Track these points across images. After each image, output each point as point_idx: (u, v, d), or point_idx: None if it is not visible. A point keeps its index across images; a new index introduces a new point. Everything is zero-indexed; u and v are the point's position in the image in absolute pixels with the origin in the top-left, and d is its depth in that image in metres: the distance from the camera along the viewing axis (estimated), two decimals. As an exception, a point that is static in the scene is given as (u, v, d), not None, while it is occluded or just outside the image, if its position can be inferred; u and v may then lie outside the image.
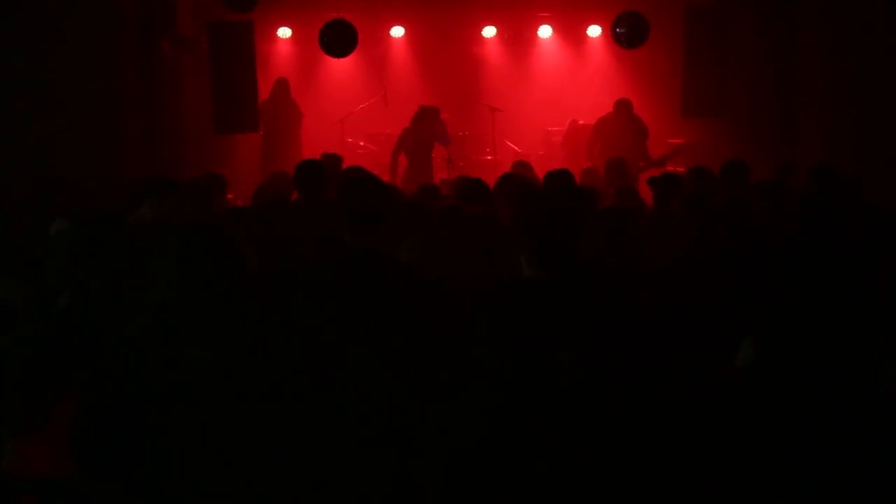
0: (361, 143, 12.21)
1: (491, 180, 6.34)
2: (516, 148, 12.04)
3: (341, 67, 12.38)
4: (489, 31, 12.80)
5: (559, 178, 6.08)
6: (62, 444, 2.35)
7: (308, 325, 3.49)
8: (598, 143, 10.19)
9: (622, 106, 10.20)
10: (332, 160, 7.74)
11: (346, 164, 8.05)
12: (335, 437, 3.08)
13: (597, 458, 2.50)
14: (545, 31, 12.84)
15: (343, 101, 12.26)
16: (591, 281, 3.64)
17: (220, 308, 3.17)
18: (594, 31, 12.65)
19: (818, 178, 6.38)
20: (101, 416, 2.80)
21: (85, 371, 2.46)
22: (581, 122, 11.48)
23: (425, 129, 10.21)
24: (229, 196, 8.18)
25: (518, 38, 12.96)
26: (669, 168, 9.32)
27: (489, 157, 12.01)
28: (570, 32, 12.84)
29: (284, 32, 12.55)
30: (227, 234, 3.37)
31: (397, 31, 12.76)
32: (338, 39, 10.57)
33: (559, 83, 12.68)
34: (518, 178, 6.38)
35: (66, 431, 2.36)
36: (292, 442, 2.97)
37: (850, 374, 2.71)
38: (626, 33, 10.71)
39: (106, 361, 3.04)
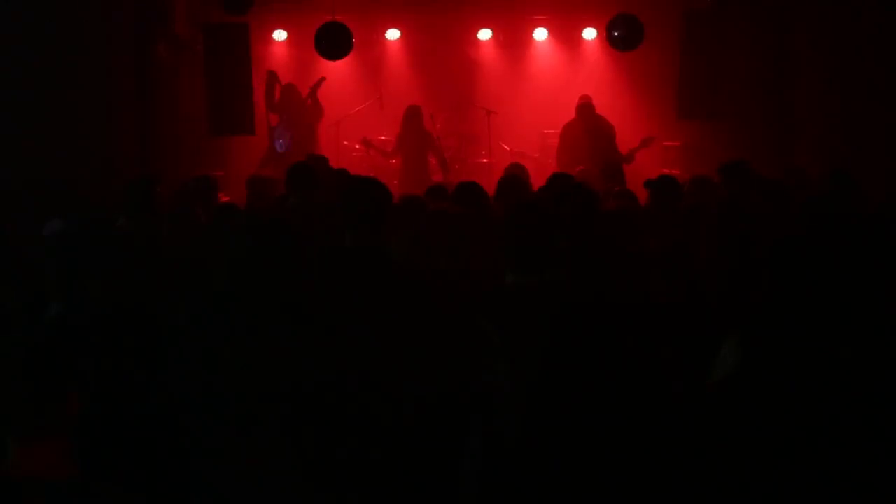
0: (357, 146, 12.20)
1: (486, 183, 6.32)
2: (508, 149, 12.03)
3: (336, 70, 12.36)
4: (484, 34, 12.79)
5: (560, 181, 6.04)
6: (66, 446, 2.33)
7: (313, 325, 3.47)
8: (565, 150, 10.17)
9: (584, 109, 10.12)
10: (318, 161, 7.73)
11: (341, 168, 8.02)
12: (342, 441, 3.05)
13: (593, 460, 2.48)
14: (540, 34, 12.82)
15: (338, 104, 12.23)
16: (573, 286, 3.61)
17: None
18: (589, 33, 12.62)
19: (831, 181, 6.32)
20: (105, 416, 2.79)
21: (87, 372, 2.43)
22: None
23: (413, 129, 10.35)
24: (224, 199, 8.16)
25: (513, 41, 12.94)
26: (665, 171, 9.32)
27: (485, 160, 12.02)
28: (566, 35, 12.82)
29: (280, 35, 12.53)
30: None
31: (392, 34, 12.74)
32: (333, 42, 10.56)
33: (554, 86, 12.64)
34: (515, 183, 6.34)
35: (70, 432, 2.34)
36: (298, 444, 2.95)
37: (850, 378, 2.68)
38: (622, 36, 10.71)
39: (108, 363, 3.02)
